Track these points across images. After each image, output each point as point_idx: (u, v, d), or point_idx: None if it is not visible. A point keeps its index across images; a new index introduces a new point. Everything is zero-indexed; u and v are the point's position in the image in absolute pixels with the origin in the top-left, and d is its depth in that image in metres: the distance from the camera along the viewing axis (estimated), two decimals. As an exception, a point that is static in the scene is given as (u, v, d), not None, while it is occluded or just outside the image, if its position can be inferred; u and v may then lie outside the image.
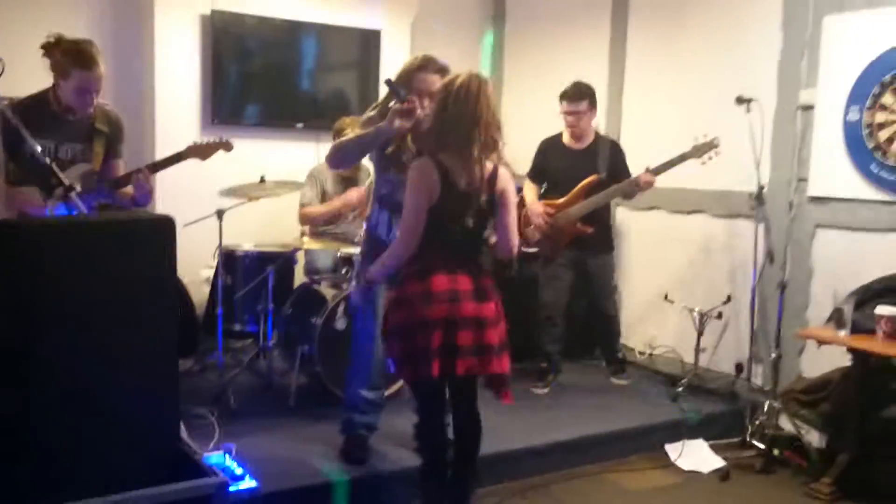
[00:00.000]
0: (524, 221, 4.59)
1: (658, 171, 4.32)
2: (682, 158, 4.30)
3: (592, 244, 4.52)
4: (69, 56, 3.20)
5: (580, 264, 4.56)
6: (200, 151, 3.65)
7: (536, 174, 4.67)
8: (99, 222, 2.48)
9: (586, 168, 4.47)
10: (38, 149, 2.83)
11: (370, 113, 3.26)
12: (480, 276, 2.85)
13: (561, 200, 4.50)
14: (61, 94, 3.26)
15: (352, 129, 4.08)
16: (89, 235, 2.24)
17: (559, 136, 4.64)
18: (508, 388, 2.90)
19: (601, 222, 4.57)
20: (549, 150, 4.63)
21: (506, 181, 2.89)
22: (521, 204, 4.58)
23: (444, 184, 2.76)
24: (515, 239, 2.96)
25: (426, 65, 3.14)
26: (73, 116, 3.30)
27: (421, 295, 2.76)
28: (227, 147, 3.73)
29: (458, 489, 2.98)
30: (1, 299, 2.05)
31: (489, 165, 2.83)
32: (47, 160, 2.84)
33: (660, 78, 5.11)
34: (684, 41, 4.94)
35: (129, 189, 3.43)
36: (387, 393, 3.97)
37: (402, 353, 2.83)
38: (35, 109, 3.19)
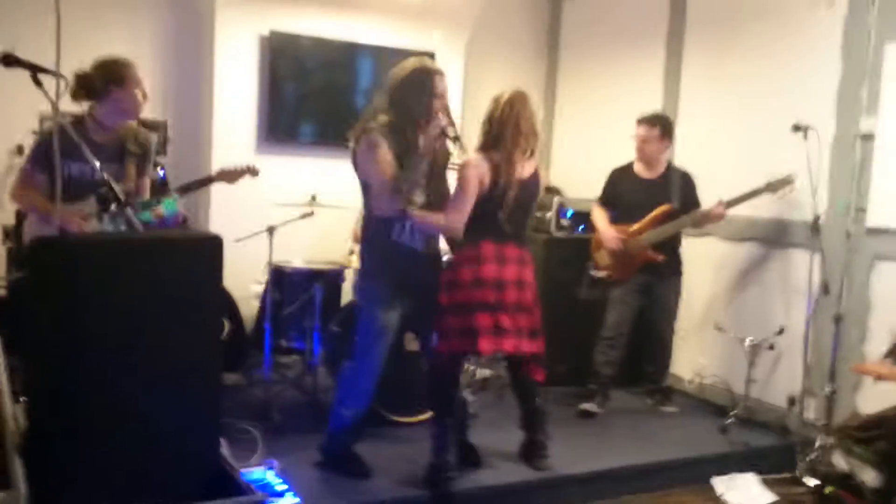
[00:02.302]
0: (594, 246, 4.66)
1: (730, 204, 4.35)
2: (757, 193, 4.31)
3: (662, 269, 4.55)
4: (106, 74, 3.31)
5: (648, 290, 4.59)
6: (228, 176, 3.86)
7: (606, 201, 4.71)
8: (146, 240, 2.54)
9: (658, 197, 4.51)
10: (97, 164, 2.90)
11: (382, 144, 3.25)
12: (523, 247, 3.47)
13: (633, 227, 4.52)
14: (102, 116, 3.35)
15: None
16: (137, 253, 2.29)
17: (630, 165, 4.67)
18: (540, 366, 3.60)
19: (672, 248, 4.60)
20: (620, 179, 4.67)
21: (542, 180, 3.54)
22: (593, 229, 4.69)
23: (495, 179, 3.34)
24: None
25: (438, 70, 3.35)
26: (106, 139, 3.37)
27: (472, 280, 3.33)
28: (254, 173, 3.93)
29: (535, 425, 3.70)
30: (48, 315, 2.11)
31: (531, 165, 3.44)
32: (104, 175, 2.90)
33: (715, 105, 5.04)
34: (740, 68, 4.87)
35: (160, 209, 3.48)
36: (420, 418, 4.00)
37: (454, 329, 3.36)
38: (76, 130, 3.20)
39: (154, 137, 3.63)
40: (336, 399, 3.52)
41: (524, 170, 3.41)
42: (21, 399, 2.50)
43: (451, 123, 3.31)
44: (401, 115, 3.27)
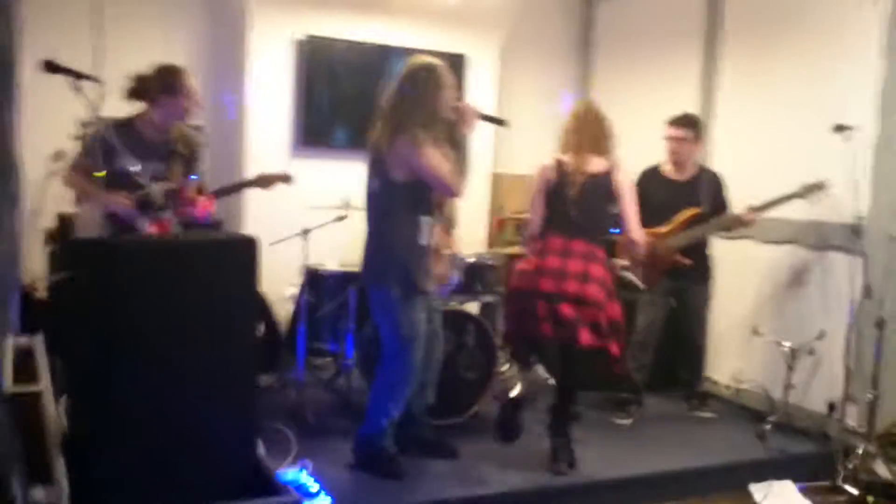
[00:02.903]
0: (620, 247, 4.59)
1: (762, 208, 4.29)
2: (788, 198, 4.25)
3: (691, 273, 4.51)
4: (160, 81, 3.50)
5: (677, 293, 4.56)
6: (264, 181, 4.02)
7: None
8: (184, 242, 2.57)
9: (687, 199, 4.47)
10: (132, 167, 2.99)
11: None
12: (593, 242, 3.67)
13: (661, 230, 4.46)
14: (154, 117, 3.54)
15: None
16: (175, 255, 2.32)
17: (657, 166, 4.64)
18: (611, 360, 3.69)
19: (700, 252, 4.55)
20: (649, 181, 4.61)
21: (619, 176, 3.69)
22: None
23: (560, 175, 3.68)
24: (633, 225, 3.71)
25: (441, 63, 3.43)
26: (156, 139, 3.56)
27: (535, 270, 3.63)
28: (287, 180, 4.09)
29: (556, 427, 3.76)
30: (88, 316, 2.14)
31: (601, 164, 3.68)
32: (138, 177, 2.99)
33: (752, 106, 4.98)
34: (778, 68, 4.80)
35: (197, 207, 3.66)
36: (466, 415, 4.00)
37: (515, 313, 3.74)
38: (124, 132, 3.45)
39: (202, 140, 3.78)
40: (370, 405, 3.52)
41: (592, 166, 3.67)
42: (62, 398, 2.55)
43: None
44: (422, 112, 3.32)
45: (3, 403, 1.61)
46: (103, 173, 3.21)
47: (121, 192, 3.43)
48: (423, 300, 3.44)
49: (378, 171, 3.42)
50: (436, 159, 3.30)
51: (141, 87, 3.52)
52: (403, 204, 3.39)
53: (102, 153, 3.28)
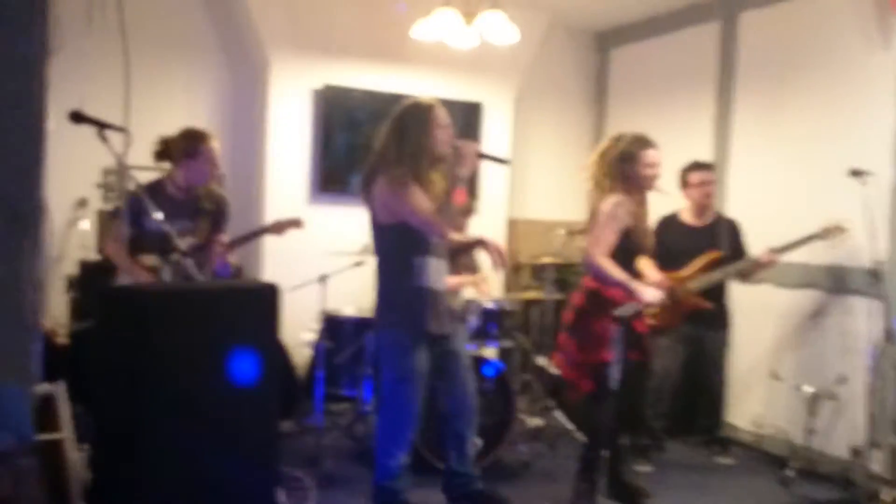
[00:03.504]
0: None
1: (780, 251, 4.28)
2: (808, 240, 4.24)
3: (709, 319, 4.48)
4: (184, 145, 3.66)
5: (696, 339, 4.53)
6: (277, 228, 4.11)
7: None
8: (208, 290, 2.60)
9: (705, 246, 4.48)
10: (160, 216, 3.07)
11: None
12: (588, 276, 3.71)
13: (681, 273, 4.46)
14: (178, 178, 3.69)
15: None
16: (199, 302, 2.35)
17: (676, 214, 4.66)
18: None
19: (718, 299, 4.53)
20: (667, 227, 4.63)
21: (603, 206, 3.68)
22: (639, 276, 4.58)
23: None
24: (591, 248, 3.66)
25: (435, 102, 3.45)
26: (183, 198, 3.70)
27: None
28: (299, 225, 4.16)
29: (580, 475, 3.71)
30: (114, 364, 2.16)
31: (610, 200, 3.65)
32: (166, 228, 3.06)
33: (767, 151, 4.99)
34: (792, 114, 4.83)
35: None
36: (485, 461, 3.96)
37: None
38: (152, 192, 3.56)
39: (226, 197, 3.91)
40: (377, 451, 3.50)
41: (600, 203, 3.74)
42: (84, 446, 2.56)
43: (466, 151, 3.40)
44: (411, 152, 3.31)
45: (30, 453, 1.62)
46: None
47: (150, 254, 3.55)
48: (425, 343, 3.39)
49: (370, 215, 3.45)
50: (414, 198, 3.26)
51: (166, 150, 3.68)
52: (394, 246, 3.39)
53: (133, 214, 3.42)
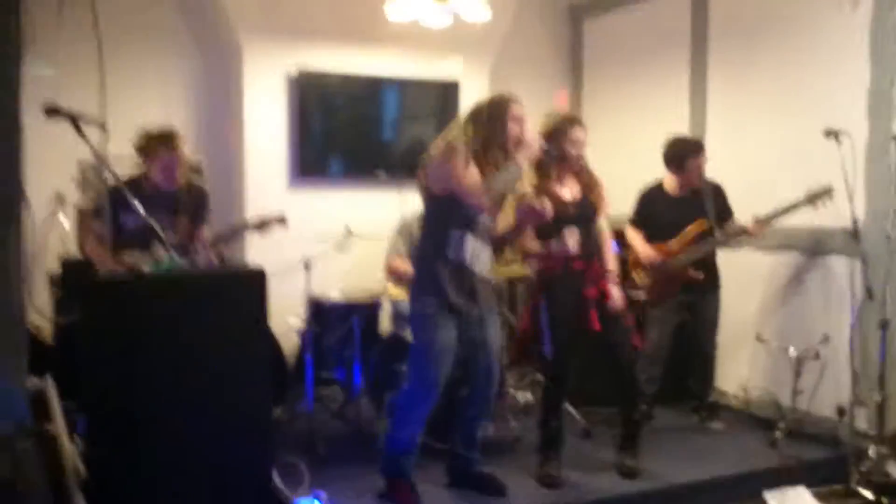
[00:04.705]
0: (631, 265, 4.65)
1: (767, 220, 4.32)
2: (795, 206, 4.27)
3: (702, 285, 4.54)
4: (155, 142, 3.73)
5: (689, 306, 4.58)
6: (261, 226, 4.18)
7: (640, 221, 4.68)
8: (194, 276, 2.60)
9: (691, 214, 4.50)
10: (141, 209, 3.04)
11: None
12: None
13: (671, 246, 4.50)
14: (151, 175, 3.74)
15: None
16: (186, 290, 2.35)
17: (660, 184, 4.65)
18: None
19: (709, 262, 4.59)
20: (652, 199, 4.65)
21: None
22: (627, 249, 4.67)
23: None
24: None
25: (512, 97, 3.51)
26: (161, 192, 3.73)
27: None
28: (283, 221, 4.22)
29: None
30: (104, 355, 2.15)
31: None
32: (151, 221, 3.04)
33: (743, 117, 5.03)
34: (766, 77, 4.86)
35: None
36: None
37: None
38: (130, 187, 3.52)
39: (205, 189, 3.99)
40: (392, 422, 3.53)
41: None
42: (75, 439, 2.55)
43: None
44: (482, 138, 3.39)
45: (29, 438, 1.63)
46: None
47: (131, 250, 3.57)
48: (452, 318, 3.40)
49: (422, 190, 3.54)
50: (462, 168, 3.33)
51: (135, 148, 3.76)
52: (435, 216, 3.47)
53: (114, 209, 3.45)
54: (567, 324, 3.75)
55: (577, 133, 3.78)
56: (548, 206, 3.42)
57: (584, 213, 3.80)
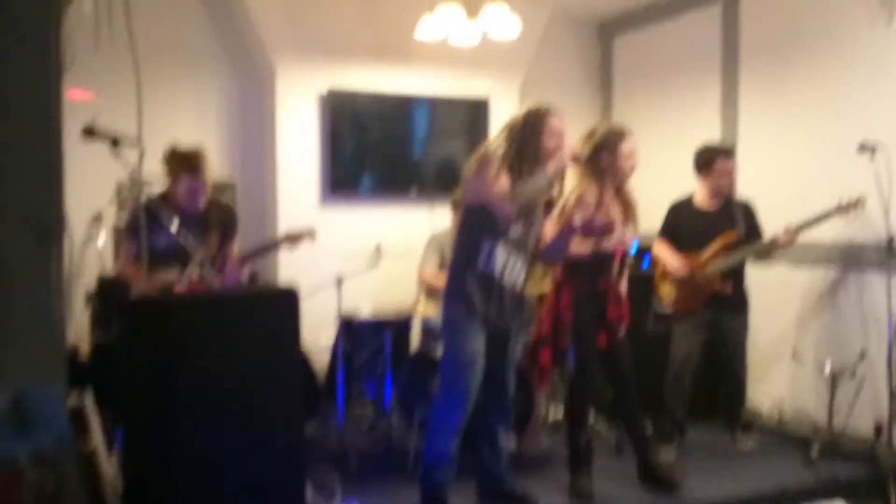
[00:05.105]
0: (658, 279, 4.60)
1: (799, 228, 4.26)
2: (826, 216, 4.22)
3: (729, 303, 4.43)
4: (179, 164, 3.71)
5: (715, 324, 4.47)
6: (291, 240, 4.17)
7: (668, 234, 4.62)
8: (228, 296, 2.63)
9: (720, 228, 4.44)
10: (175, 226, 3.10)
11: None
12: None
13: (700, 257, 4.45)
14: (176, 194, 3.74)
15: None
16: (220, 309, 2.39)
17: (690, 198, 4.59)
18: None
19: (737, 282, 4.48)
20: (681, 212, 4.59)
21: None
22: (656, 263, 4.63)
23: None
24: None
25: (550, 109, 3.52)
26: (190, 210, 3.74)
27: None
28: (312, 236, 4.22)
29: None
30: (143, 373, 2.20)
31: None
32: (181, 240, 3.10)
33: (775, 130, 5.00)
34: (799, 91, 4.83)
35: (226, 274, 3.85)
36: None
37: None
38: (164, 204, 3.65)
39: (233, 208, 4.03)
40: (428, 433, 3.54)
41: None
42: (112, 454, 2.60)
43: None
44: (517, 149, 3.41)
45: (74, 458, 1.67)
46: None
47: (166, 268, 3.60)
48: (482, 328, 3.42)
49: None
50: (493, 176, 3.35)
51: (165, 161, 3.75)
52: (468, 226, 3.50)
53: (146, 227, 3.43)
54: (591, 342, 3.77)
55: (628, 146, 3.78)
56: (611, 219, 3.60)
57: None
